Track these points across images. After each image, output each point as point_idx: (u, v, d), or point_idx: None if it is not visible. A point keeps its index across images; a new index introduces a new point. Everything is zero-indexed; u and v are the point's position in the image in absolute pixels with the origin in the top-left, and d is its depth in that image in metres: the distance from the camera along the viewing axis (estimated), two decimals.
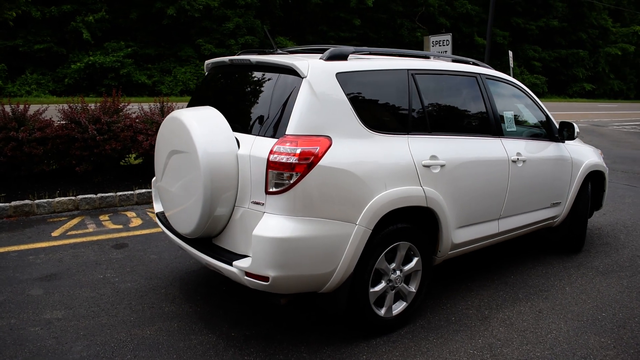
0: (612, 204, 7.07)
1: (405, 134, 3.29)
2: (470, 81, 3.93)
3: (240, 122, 3.13)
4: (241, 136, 3.01)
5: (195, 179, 2.93)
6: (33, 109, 6.40)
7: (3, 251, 4.55)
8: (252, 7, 27.50)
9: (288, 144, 2.76)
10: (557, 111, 21.53)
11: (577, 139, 4.90)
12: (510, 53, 14.47)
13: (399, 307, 3.39)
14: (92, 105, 6.60)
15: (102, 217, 5.62)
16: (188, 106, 3.81)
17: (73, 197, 5.80)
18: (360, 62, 3.23)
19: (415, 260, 3.40)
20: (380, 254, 3.15)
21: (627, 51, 45.93)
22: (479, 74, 4.02)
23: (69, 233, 5.07)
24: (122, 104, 6.81)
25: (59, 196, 5.86)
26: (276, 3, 29.06)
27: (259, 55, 3.30)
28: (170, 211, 3.34)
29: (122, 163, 7.08)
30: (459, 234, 3.66)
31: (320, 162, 2.78)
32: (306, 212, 2.78)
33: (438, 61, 3.94)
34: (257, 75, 3.27)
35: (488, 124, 3.96)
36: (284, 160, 2.73)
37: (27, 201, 5.59)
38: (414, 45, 33.14)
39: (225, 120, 3.02)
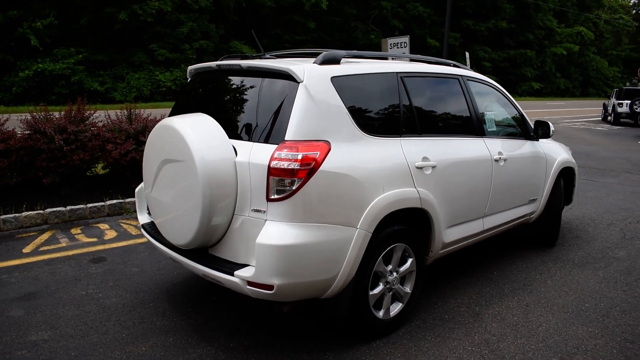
0: (576, 199, 7.31)
1: (398, 137, 3.31)
2: (453, 83, 4.01)
3: (233, 129, 3.07)
4: (236, 143, 2.95)
5: (191, 188, 2.85)
6: None
7: None
8: (206, 11, 27.15)
9: (288, 149, 2.72)
10: None
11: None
12: (467, 54, 14.84)
13: (395, 309, 3.41)
14: (57, 114, 6.34)
15: (73, 231, 5.41)
16: (171, 114, 3.72)
17: (41, 211, 5.55)
18: (353, 66, 3.23)
19: (409, 261, 3.42)
20: (378, 257, 3.16)
21: (571, 51, 48.05)
22: (461, 75, 4.11)
23: (42, 249, 4.85)
24: (88, 112, 6.57)
25: (26, 210, 5.59)
26: (230, 7, 28.80)
27: (250, 60, 3.25)
28: (162, 222, 3.23)
29: (89, 174, 6.83)
30: (448, 234, 3.72)
31: (321, 167, 2.76)
32: (308, 218, 2.76)
33: (423, 64, 4.00)
34: (249, 80, 3.21)
35: (471, 125, 4.04)
36: (285, 167, 2.70)
37: None
38: (369, 47, 33.55)
39: (220, 127, 2.96)
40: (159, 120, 6.84)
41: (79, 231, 5.40)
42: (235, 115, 3.22)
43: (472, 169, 3.88)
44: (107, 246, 4.97)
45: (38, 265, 4.43)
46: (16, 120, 6.35)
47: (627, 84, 50.75)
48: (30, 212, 5.48)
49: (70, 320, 3.48)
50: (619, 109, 21.33)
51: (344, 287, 2.96)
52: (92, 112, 6.65)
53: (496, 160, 4.12)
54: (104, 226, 5.60)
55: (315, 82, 2.91)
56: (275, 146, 2.77)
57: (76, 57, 22.44)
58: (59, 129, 5.97)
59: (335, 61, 3.14)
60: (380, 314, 3.28)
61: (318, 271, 2.81)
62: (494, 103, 4.57)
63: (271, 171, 2.72)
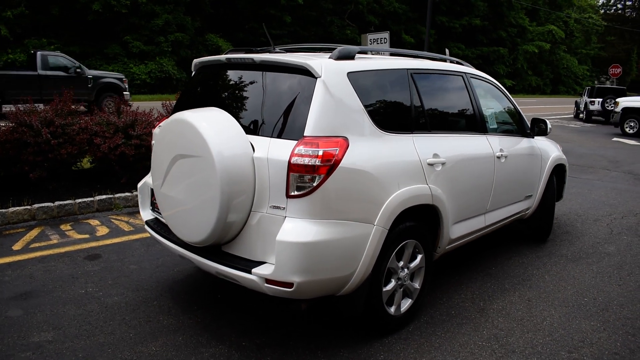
0: None
1: (410, 133, 3.31)
2: (458, 80, 4.03)
3: (246, 124, 3.01)
4: (251, 138, 2.90)
5: (208, 184, 2.78)
6: None
7: None
8: (181, 3, 26.69)
9: (309, 145, 2.69)
10: None
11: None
12: (447, 51, 14.99)
13: (405, 305, 3.42)
14: (41, 106, 6.14)
15: (63, 227, 5.25)
16: (175, 109, 3.63)
17: (29, 207, 5.38)
18: (367, 62, 3.21)
19: (419, 257, 3.43)
20: (392, 253, 3.15)
21: (543, 49, 49.06)
22: (465, 72, 4.13)
23: (32, 246, 4.69)
24: (74, 105, 6.39)
25: (13, 206, 5.41)
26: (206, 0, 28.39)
27: (263, 55, 3.19)
28: (173, 219, 3.15)
29: (74, 168, 6.64)
30: (454, 230, 3.74)
31: (341, 164, 2.74)
32: (328, 215, 2.73)
33: (428, 61, 4.00)
34: (261, 75, 3.15)
35: (475, 122, 4.07)
36: (306, 162, 2.66)
37: None
38: (345, 42, 33.48)
39: (236, 121, 2.90)
40: (148, 113, 6.71)
41: (69, 227, 5.25)
42: (247, 110, 3.15)
43: (477, 166, 3.92)
44: (101, 243, 4.85)
45: (31, 263, 4.29)
46: None
47: (596, 82, 52.12)
48: (18, 208, 5.30)
49: (73, 320, 3.38)
50: (591, 107, 21.84)
51: (360, 284, 2.95)
52: (77, 106, 6.46)
53: (498, 157, 4.16)
54: (94, 222, 5.46)
55: (332, 78, 2.88)
56: (294, 142, 2.73)
57: (48, 49, 21.69)
58: (46, 122, 5.79)
59: (350, 57, 3.12)
60: (392, 310, 3.29)
61: (337, 268, 2.79)
62: (494, 100, 4.62)
63: (292, 167, 2.68)
